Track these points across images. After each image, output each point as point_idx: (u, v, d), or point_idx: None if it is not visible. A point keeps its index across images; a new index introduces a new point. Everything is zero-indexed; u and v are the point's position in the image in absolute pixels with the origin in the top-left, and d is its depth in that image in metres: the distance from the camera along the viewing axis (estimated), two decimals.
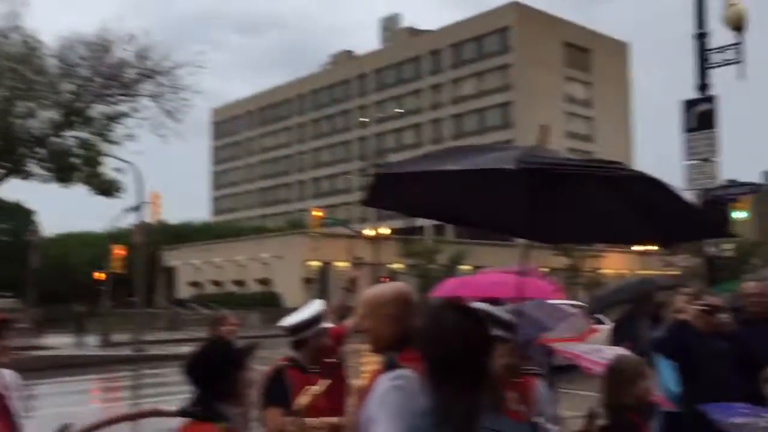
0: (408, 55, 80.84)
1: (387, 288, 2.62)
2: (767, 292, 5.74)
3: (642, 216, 2.97)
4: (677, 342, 4.63)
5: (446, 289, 5.88)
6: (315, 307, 3.83)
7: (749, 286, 5.68)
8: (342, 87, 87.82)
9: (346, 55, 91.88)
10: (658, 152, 45.74)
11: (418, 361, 2.21)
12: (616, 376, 3.66)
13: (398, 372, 2.22)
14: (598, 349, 4.90)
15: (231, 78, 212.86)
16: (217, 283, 57.54)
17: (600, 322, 13.57)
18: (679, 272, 44.12)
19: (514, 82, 71.72)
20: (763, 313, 5.40)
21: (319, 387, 2.91)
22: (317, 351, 3.68)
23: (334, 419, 3.14)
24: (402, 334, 2.43)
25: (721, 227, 2.94)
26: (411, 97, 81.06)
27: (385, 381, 2.22)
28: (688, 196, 2.60)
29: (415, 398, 2.10)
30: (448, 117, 77.28)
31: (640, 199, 2.84)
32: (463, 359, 1.80)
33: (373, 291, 2.63)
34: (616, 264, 59.24)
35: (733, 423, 3.68)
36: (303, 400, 2.71)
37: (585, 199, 3.02)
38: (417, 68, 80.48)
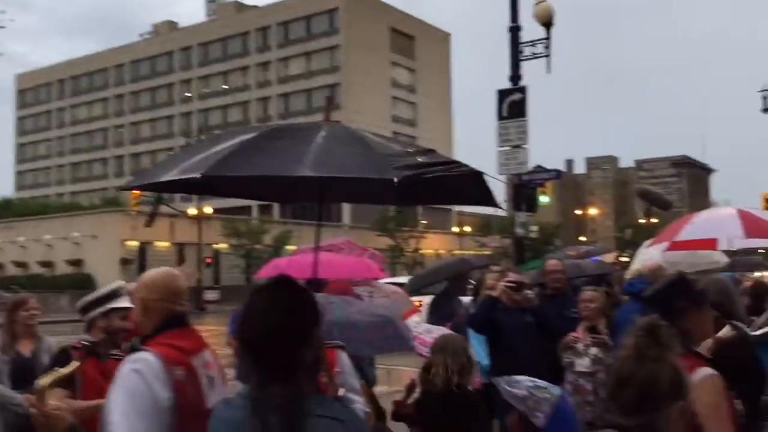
0: (235, 31, 78.68)
1: (150, 273, 2.62)
2: (566, 269, 6.28)
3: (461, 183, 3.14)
4: (486, 317, 4.90)
5: (273, 269, 5.80)
6: (110, 286, 3.59)
7: (551, 263, 6.17)
8: (164, 59, 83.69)
9: (170, 26, 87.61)
10: (475, 139, 48.33)
11: (167, 346, 2.33)
12: (443, 353, 3.83)
13: (138, 355, 2.29)
14: (428, 329, 5.08)
15: (39, 42, 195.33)
16: (20, 265, 52.93)
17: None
18: (491, 252, 47.07)
19: (341, 64, 72.29)
20: (562, 288, 5.89)
21: (67, 369, 2.70)
22: (113, 333, 3.40)
23: (93, 402, 2.93)
24: (162, 319, 2.47)
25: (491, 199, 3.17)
26: (238, 73, 79.09)
27: (126, 365, 2.28)
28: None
29: (154, 382, 2.21)
30: (275, 96, 76.37)
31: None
32: (270, 345, 1.69)
33: (141, 276, 2.64)
34: (435, 244, 62.00)
35: (516, 395, 3.92)
36: (43, 381, 2.52)
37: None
38: (244, 44, 78.61)
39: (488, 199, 3.02)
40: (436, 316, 7.39)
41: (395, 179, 2.36)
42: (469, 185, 2.86)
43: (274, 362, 1.66)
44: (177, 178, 2.59)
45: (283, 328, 1.70)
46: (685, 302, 2.90)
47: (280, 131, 2.84)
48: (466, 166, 2.72)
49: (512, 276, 5.01)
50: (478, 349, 5.08)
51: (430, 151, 2.77)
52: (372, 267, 6.01)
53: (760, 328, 4.28)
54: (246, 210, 58.76)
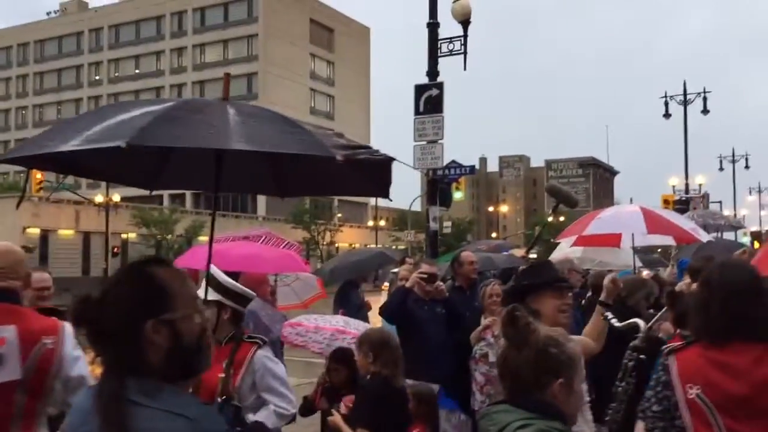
0: (149, 14, 76.15)
1: None
2: (477, 261, 6.41)
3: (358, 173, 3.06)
4: (399, 307, 4.95)
5: (190, 260, 5.66)
6: None
7: (465, 255, 6.29)
8: (72, 39, 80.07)
9: (79, 5, 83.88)
10: (393, 134, 48.64)
11: None
12: (365, 347, 3.83)
13: None
14: (341, 322, 5.05)
15: None
16: None
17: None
18: (405, 246, 47.57)
19: (259, 54, 71.21)
20: (474, 280, 6.01)
21: None
22: None
23: None
24: None
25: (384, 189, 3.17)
26: (151, 58, 76.63)
27: None
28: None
29: None
30: (190, 83, 74.45)
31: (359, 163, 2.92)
32: (112, 333, 1.52)
33: None
34: (350, 238, 62.14)
35: None
36: None
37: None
38: (159, 28, 76.24)
39: (379, 189, 2.85)
40: (345, 307, 7.42)
41: (338, 157, 2.25)
42: (361, 173, 2.72)
43: (108, 349, 1.54)
44: (83, 148, 2.17)
45: (106, 316, 1.51)
46: (533, 287, 3.10)
47: (190, 103, 2.50)
48: (377, 151, 2.67)
49: (425, 268, 5.08)
50: None
51: (340, 135, 2.69)
52: (297, 260, 5.97)
53: (656, 321, 4.51)
54: (156, 199, 57.11)
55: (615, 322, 3.38)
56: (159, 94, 74.86)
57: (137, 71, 77.15)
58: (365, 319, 7.51)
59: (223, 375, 3.19)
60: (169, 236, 44.45)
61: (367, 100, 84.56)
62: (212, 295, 3.26)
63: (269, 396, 3.28)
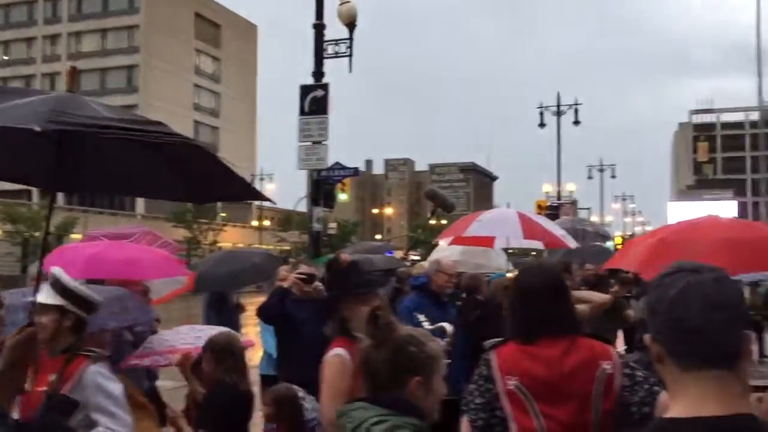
0: None
1: None
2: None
3: (178, 175, 2.94)
4: (277, 307, 4.91)
5: (57, 261, 5.34)
6: None
7: (343, 257, 6.33)
8: None
9: None
10: (280, 133, 48.19)
11: None
12: (208, 353, 3.76)
13: None
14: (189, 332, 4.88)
15: None
16: None
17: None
18: (290, 247, 47.23)
19: (141, 46, 68.54)
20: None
21: None
22: None
23: None
24: None
25: (252, 192, 3.18)
26: (21, 44, 72.03)
27: None
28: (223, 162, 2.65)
29: None
30: (64, 72, 70.56)
31: (178, 159, 2.82)
32: None
33: None
34: (234, 238, 60.92)
35: None
36: None
37: (117, 155, 2.85)
38: (30, 13, 71.78)
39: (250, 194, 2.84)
40: (218, 310, 7.23)
41: (37, 128, 2.09)
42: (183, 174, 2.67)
43: None
44: None
45: None
46: (341, 292, 3.23)
47: None
48: (185, 138, 2.57)
49: (304, 268, 5.07)
50: (271, 342, 5.06)
51: (157, 123, 2.59)
52: (177, 264, 5.77)
53: None
54: (24, 193, 53.69)
55: (427, 325, 3.55)
56: (29, 83, 70.43)
57: (6, 58, 72.34)
58: (237, 321, 7.34)
59: (47, 389, 2.90)
60: (38, 233, 41.94)
61: (253, 98, 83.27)
62: (54, 300, 3.01)
63: (99, 416, 2.95)
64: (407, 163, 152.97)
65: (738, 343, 1.44)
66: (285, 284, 4.94)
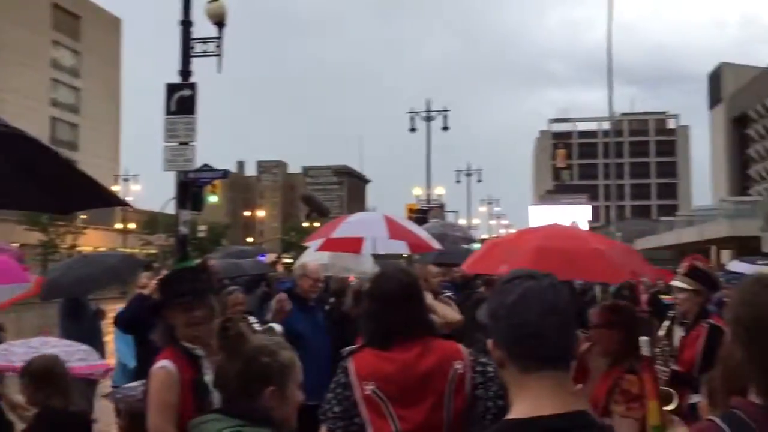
0: None
1: None
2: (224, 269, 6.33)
3: (29, 182, 2.79)
4: (135, 316, 4.72)
5: None
6: None
7: (210, 263, 6.19)
8: None
9: None
10: (146, 132, 46.28)
11: None
12: (26, 379, 3.55)
13: None
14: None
15: None
16: None
17: None
18: (156, 250, 45.51)
19: None
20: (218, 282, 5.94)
21: None
22: None
23: None
24: None
25: (112, 198, 3.08)
26: None
27: None
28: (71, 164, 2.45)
29: None
30: None
31: (25, 163, 2.66)
32: None
33: None
34: (95, 241, 57.80)
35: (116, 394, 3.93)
36: None
37: None
38: None
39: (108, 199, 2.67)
40: (76, 318, 6.83)
41: None
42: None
43: None
44: None
45: None
46: (166, 299, 3.18)
47: None
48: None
49: (165, 274, 4.90)
50: (125, 351, 4.85)
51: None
52: (18, 270, 5.35)
53: None
54: None
55: (256, 326, 3.55)
56: None
57: None
58: (98, 329, 6.94)
59: None
60: None
61: (117, 94, 79.53)
62: None
63: None
64: (280, 165, 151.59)
65: (572, 344, 1.55)
66: (146, 291, 4.76)
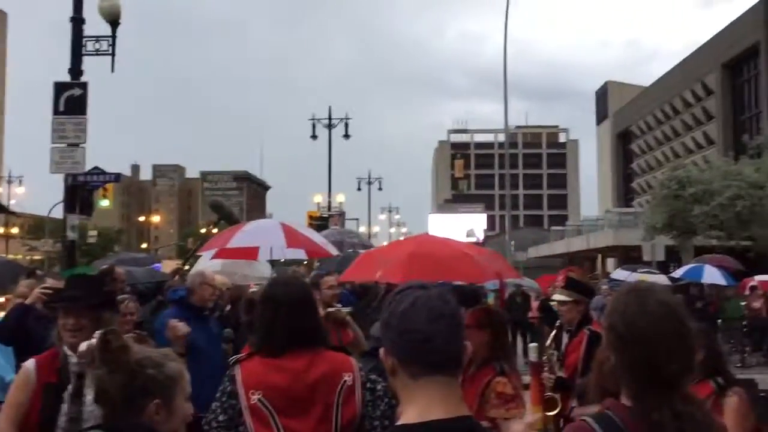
0: None
1: None
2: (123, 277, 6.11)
3: None
4: (16, 325, 4.48)
5: None
6: None
7: (103, 269, 5.96)
8: None
9: None
10: (31, 132, 43.79)
11: None
12: None
13: None
14: None
15: None
16: None
17: None
18: (42, 256, 43.15)
19: None
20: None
21: None
22: None
23: None
24: None
25: None
26: None
27: None
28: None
29: None
30: None
31: None
32: None
33: None
34: None
35: None
36: None
37: None
38: None
39: None
40: None
41: None
42: None
43: None
44: None
45: None
46: (50, 300, 3.27)
47: None
48: None
49: (50, 282, 4.67)
50: (3, 364, 4.57)
51: None
52: None
53: None
54: None
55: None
56: None
57: None
58: None
59: None
60: None
61: (1, 92, 75.13)
62: None
63: None
64: (178, 169, 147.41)
65: (460, 350, 1.60)
66: (28, 300, 4.52)
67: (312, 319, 2.73)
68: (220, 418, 2.54)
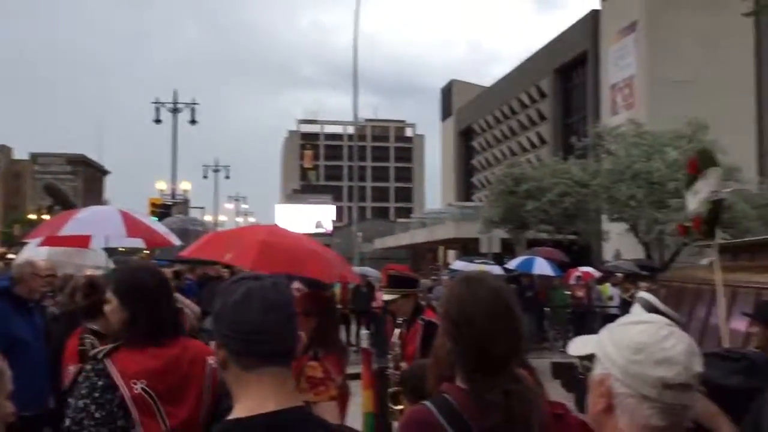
0: None
1: None
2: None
3: None
4: None
5: None
6: None
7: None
8: None
9: None
10: None
11: None
12: None
13: None
14: None
15: None
16: None
17: None
18: None
19: None
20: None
21: None
22: None
23: None
24: None
25: None
26: None
27: None
28: None
29: None
30: None
31: None
32: None
33: None
34: None
35: None
36: None
37: None
38: None
39: None
40: None
41: None
42: None
43: None
44: None
45: None
46: None
47: None
48: None
49: None
50: None
51: None
52: None
53: None
54: None
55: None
56: None
57: None
58: None
59: None
60: None
61: None
62: None
63: None
64: (3, 150, 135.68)
65: (293, 341, 1.62)
66: None
67: (174, 306, 2.77)
68: (96, 415, 2.41)
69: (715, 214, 5.10)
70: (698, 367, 1.39)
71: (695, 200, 5.19)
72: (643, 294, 4.00)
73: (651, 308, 3.72)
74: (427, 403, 1.84)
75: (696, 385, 1.40)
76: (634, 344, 1.41)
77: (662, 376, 1.37)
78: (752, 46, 33.35)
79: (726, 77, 31.78)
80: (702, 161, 5.18)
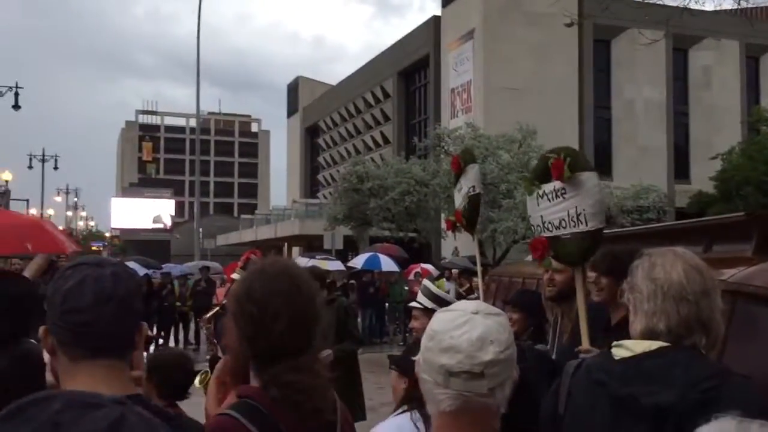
0: None
1: None
2: None
3: None
4: None
5: None
6: None
7: None
8: None
9: None
10: None
11: None
12: None
13: None
14: None
15: None
16: None
17: None
18: None
19: None
20: None
21: None
22: None
23: None
24: None
25: None
26: None
27: None
28: None
29: None
30: None
31: None
32: None
33: None
34: None
35: None
36: None
37: None
38: None
39: None
40: None
41: None
42: None
43: None
44: None
45: None
46: None
47: None
48: None
49: None
50: None
51: None
52: None
53: None
54: None
55: None
56: None
57: None
58: None
59: None
60: None
61: None
62: None
63: None
64: None
65: (130, 334, 1.52)
66: None
67: None
68: None
69: (475, 208, 5.29)
70: (487, 356, 1.42)
71: (459, 196, 5.42)
72: (425, 282, 4.25)
73: (429, 294, 4.03)
74: (233, 412, 1.74)
75: (488, 373, 1.41)
76: (429, 332, 1.50)
77: (444, 363, 1.43)
78: (576, 59, 36.17)
79: (552, 87, 34.23)
80: (463, 159, 5.43)
